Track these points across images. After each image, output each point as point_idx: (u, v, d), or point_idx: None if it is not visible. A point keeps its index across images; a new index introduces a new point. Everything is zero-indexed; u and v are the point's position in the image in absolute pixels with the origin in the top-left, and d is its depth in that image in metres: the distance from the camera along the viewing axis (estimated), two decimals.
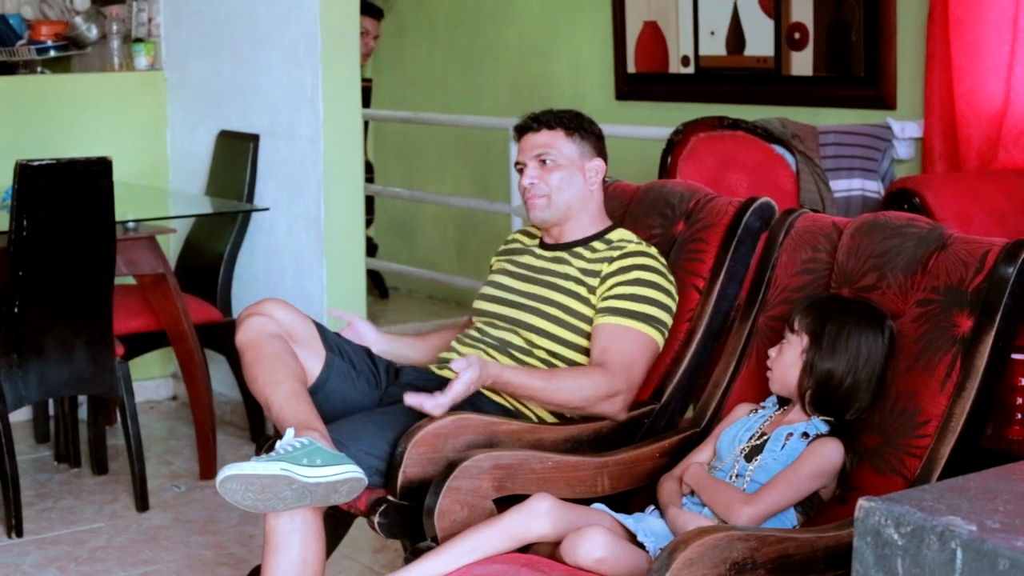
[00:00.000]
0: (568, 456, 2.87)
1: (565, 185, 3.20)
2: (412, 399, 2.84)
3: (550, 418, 3.12)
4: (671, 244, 3.28)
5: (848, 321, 2.66)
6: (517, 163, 3.27)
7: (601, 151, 3.28)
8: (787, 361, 2.72)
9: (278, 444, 2.74)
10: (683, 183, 3.48)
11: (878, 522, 1.60)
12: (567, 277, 3.18)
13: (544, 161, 3.21)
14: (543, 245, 3.31)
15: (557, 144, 3.21)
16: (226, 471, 2.66)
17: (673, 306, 3.13)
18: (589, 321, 3.12)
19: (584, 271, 3.17)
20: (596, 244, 3.22)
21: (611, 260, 3.15)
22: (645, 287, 3.09)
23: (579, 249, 3.22)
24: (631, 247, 3.18)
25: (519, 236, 3.44)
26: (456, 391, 2.85)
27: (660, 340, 3.11)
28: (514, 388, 3.00)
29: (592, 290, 3.13)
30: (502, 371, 2.97)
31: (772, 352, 2.78)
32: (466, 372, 2.86)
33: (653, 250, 3.19)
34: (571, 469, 2.85)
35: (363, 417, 3.00)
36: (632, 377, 3.04)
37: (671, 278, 3.15)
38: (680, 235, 3.29)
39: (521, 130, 3.28)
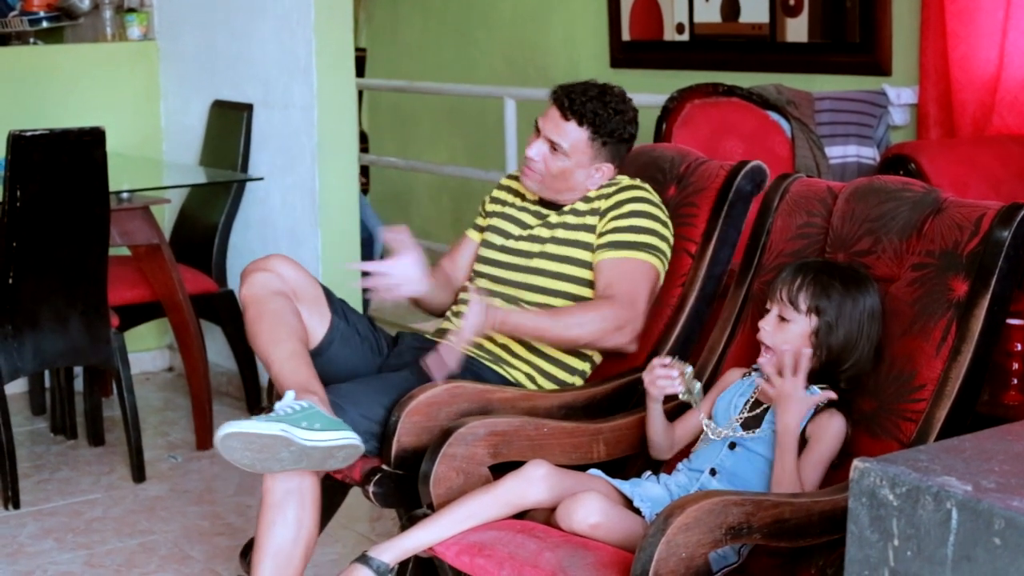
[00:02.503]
0: (563, 422, 2.87)
1: (564, 175, 3.15)
2: (429, 362, 2.89)
3: (548, 385, 3.12)
4: None
5: (848, 293, 2.63)
6: (536, 125, 3.19)
7: (617, 157, 3.19)
8: (793, 340, 2.65)
9: (277, 405, 2.75)
10: (674, 147, 3.47)
11: (873, 483, 1.60)
12: (567, 227, 3.17)
13: (554, 146, 3.14)
14: (542, 202, 3.26)
15: (575, 139, 3.12)
16: (226, 428, 2.67)
17: (670, 236, 3.13)
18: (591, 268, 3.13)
19: (583, 214, 3.16)
20: (590, 194, 3.19)
21: (607, 196, 3.15)
22: (641, 218, 3.09)
23: (576, 205, 3.20)
24: (624, 182, 3.18)
25: (512, 185, 3.37)
26: (463, 338, 2.89)
27: (660, 267, 3.10)
28: (524, 331, 3.01)
29: (592, 230, 3.13)
30: (508, 316, 2.98)
31: (766, 326, 2.70)
32: (470, 318, 2.88)
33: (646, 185, 3.19)
34: (567, 435, 2.85)
35: (363, 382, 3.01)
36: (637, 307, 3.04)
37: (664, 210, 3.15)
38: (671, 199, 3.27)
39: (557, 100, 3.16)
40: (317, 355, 3.06)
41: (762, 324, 2.73)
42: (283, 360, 2.93)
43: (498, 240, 3.29)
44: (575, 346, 3.08)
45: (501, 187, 3.41)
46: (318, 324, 3.12)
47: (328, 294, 3.19)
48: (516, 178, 3.36)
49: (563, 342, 3.06)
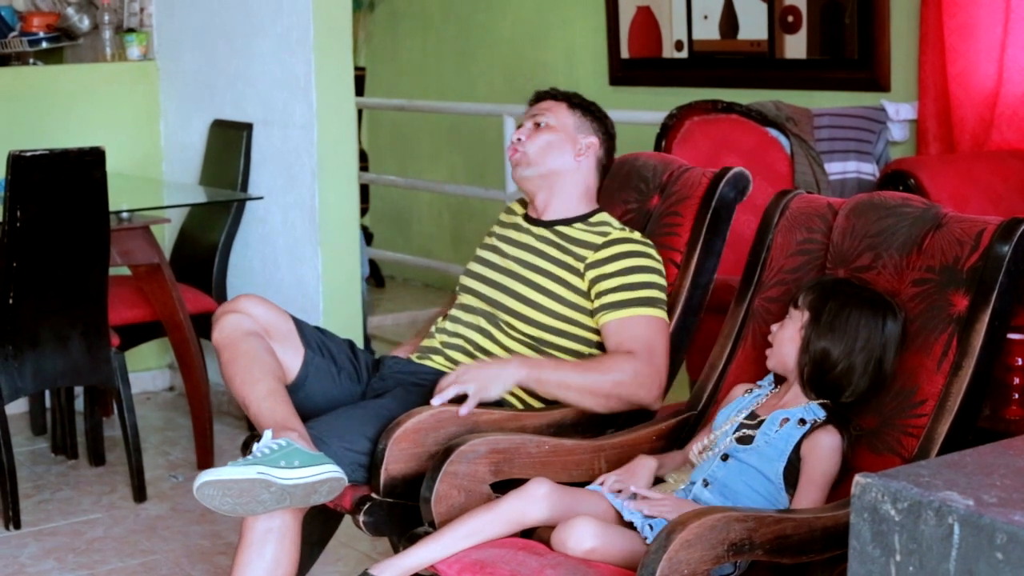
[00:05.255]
0: (565, 440, 2.87)
1: (550, 149, 3.18)
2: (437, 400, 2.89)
3: (536, 403, 3.10)
4: (647, 219, 3.26)
5: (851, 302, 2.64)
6: (518, 126, 3.28)
7: (602, 136, 3.25)
8: (786, 336, 2.70)
9: (255, 447, 2.72)
10: (657, 156, 3.45)
11: (875, 498, 1.59)
12: (547, 258, 3.15)
13: (538, 124, 3.22)
14: (527, 219, 3.28)
15: (556, 111, 3.23)
16: (202, 477, 2.64)
17: (663, 281, 3.10)
18: (569, 304, 3.10)
19: (566, 251, 3.14)
20: (578, 225, 3.19)
21: (595, 248, 3.11)
22: (634, 273, 3.06)
23: (561, 228, 3.19)
24: (614, 234, 3.14)
25: (513, 206, 3.41)
26: (470, 406, 2.88)
27: (665, 317, 3.07)
28: (548, 383, 2.96)
29: (576, 272, 3.10)
30: (533, 370, 2.95)
31: (774, 327, 2.76)
32: (496, 388, 2.90)
33: (636, 234, 3.16)
34: (568, 453, 2.84)
35: (343, 412, 2.96)
36: (656, 360, 3.00)
37: (657, 256, 3.12)
38: (655, 209, 3.27)
39: (531, 101, 3.32)
40: (294, 391, 3.03)
41: (773, 326, 2.77)
42: (260, 400, 2.89)
43: (488, 255, 3.28)
44: (598, 401, 2.97)
45: (504, 212, 3.43)
46: (292, 359, 3.09)
47: (300, 327, 3.15)
48: (520, 202, 3.38)
49: (586, 394, 2.97)
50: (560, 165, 3.20)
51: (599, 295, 3.07)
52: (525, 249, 3.21)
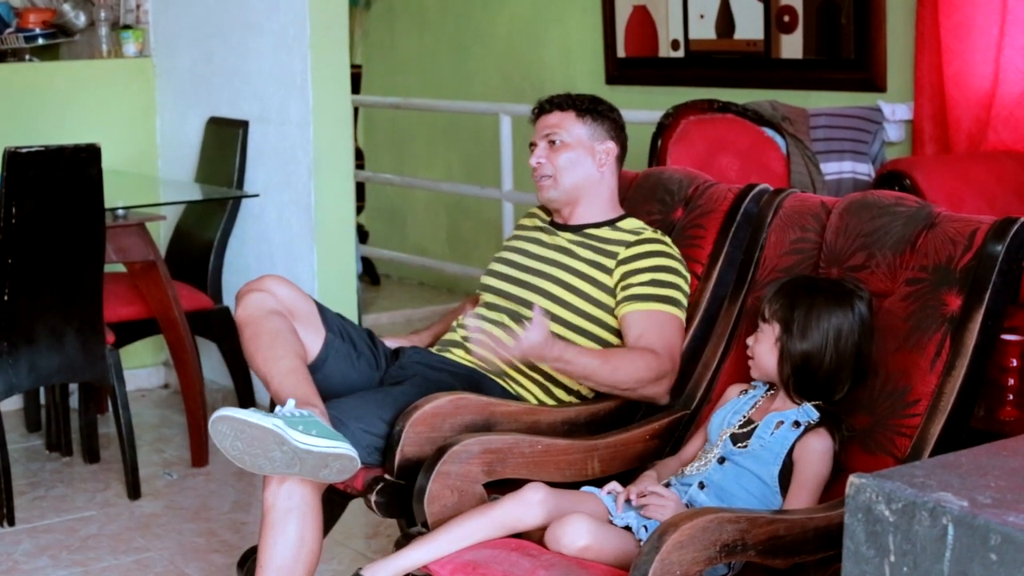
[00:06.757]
0: (558, 439, 2.87)
1: (572, 166, 3.21)
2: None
3: (550, 401, 3.12)
4: (670, 230, 3.28)
5: (816, 302, 2.64)
6: (531, 143, 3.28)
7: (616, 135, 3.28)
8: (763, 349, 2.71)
9: (278, 408, 2.73)
10: (681, 170, 3.48)
11: (869, 499, 1.59)
12: (578, 258, 3.17)
13: (553, 142, 3.22)
14: (555, 224, 3.31)
15: (567, 125, 3.22)
16: (221, 412, 2.66)
17: (687, 288, 3.13)
18: (599, 305, 3.12)
19: (598, 251, 3.16)
20: (607, 229, 3.22)
21: (628, 244, 3.15)
22: (664, 272, 3.09)
23: (590, 231, 3.22)
24: (647, 234, 3.18)
25: (536, 211, 3.43)
26: (516, 348, 2.86)
27: (683, 319, 3.10)
28: (573, 368, 2.95)
29: (607, 271, 3.13)
30: (564, 351, 2.93)
31: (750, 341, 2.76)
32: (532, 334, 2.84)
33: (667, 238, 3.19)
34: (561, 453, 2.84)
35: (362, 396, 2.99)
36: (675, 358, 3.04)
37: (683, 263, 3.15)
38: (679, 221, 3.30)
39: (536, 112, 3.30)
40: (313, 372, 3.05)
41: (748, 339, 2.77)
42: (282, 376, 2.92)
43: (510, 256, 3.32)
44: (616, 390, 3.01)
45: (526, 216, 3.46)
46: (314, 340, 3.12)
47: (322, 311, 3.19)
48: (542, 209, 3.40)
49: (606, 385, 3.00)
50: (584, 179, 3.23)
51: (626, 287, 3.10)
52: (556, 250, 3.24)
